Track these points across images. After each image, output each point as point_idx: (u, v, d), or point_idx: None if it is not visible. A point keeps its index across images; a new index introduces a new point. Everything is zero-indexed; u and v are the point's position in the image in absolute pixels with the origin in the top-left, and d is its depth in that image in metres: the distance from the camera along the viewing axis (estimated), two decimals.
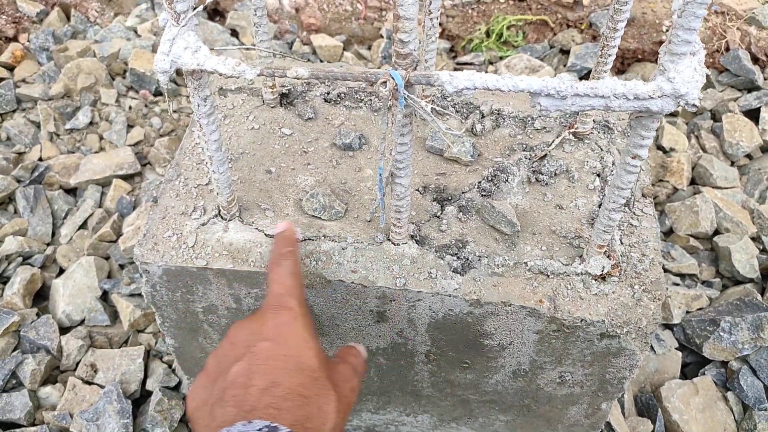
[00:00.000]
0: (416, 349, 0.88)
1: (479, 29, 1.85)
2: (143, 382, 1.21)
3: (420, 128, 0.95)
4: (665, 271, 1.43)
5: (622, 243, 0.83)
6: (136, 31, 1.91)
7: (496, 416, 1.00)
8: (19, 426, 1.16)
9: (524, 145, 0.93)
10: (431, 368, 0.92)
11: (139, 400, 1.20)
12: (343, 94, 0.99)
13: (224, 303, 0.86)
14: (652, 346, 1.30)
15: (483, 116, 0.97)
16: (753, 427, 1.19)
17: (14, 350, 1.24)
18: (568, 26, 1.86)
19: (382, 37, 1.89)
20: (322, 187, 0.86)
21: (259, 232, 0.82)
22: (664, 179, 1.58)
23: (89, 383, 1.20)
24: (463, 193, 0.87)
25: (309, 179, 0.88)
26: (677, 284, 1.40)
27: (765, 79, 1.80)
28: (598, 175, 0.90)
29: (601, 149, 0.93)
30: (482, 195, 0.87)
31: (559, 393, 0.91)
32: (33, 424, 1.17)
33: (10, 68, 1.75)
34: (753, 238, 1.46)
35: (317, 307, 0.84)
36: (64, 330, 1.28)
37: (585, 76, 1.79)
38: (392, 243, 0.81)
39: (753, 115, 1.72)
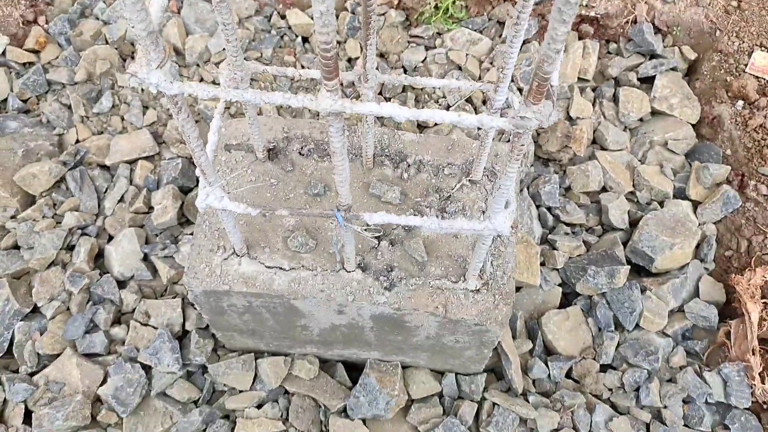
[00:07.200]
0: (364, 326, 1.39)
1: (429, 3, 2.18)
2: (183, 324, 1.72)
3: (365, 175, 1.39)
4: (560, 222, 1.92)
5: (492, 265, 1.31)
6: None
7: (419, 355, 1.54)
8: (101, 355, 1.70)
9: (436, 188, 1.38)
10: (375, 334, 1.43)
11: (182, 337, 1.72)
12: (312, 149, 1.41)
13: (241, 303, 1.35)
14: (540, 284, 1.82)
15: (409, 165, 1.40)
16: (602, 342, 1.74)
17: (87, 302, 1.74)
18: (505, 0, 2.19)
19: (347, 10, 2.21)
20: (300, 229, 1.32)
21: (260, 264, 1.29)
22: (568, 146, 2.01)
23: (145, 325, 1.71)
24: (393, 229, 1.34)
25: (291, 221, 1.34)
26: (567, 233, 1.90)
27: (665, 47, 2.17)
28: (483, 212, 1.36)
29: (487, 192, 1.38)
30: (405, 230, 1.33)
31: (456, 346, 1.44)
32: (110, 354, 1.71)
33: (37, 52, 2.09)
34: (630, 194, 1.94)
35: (303, 308, 1.33)
36: (120, 283, 1.78)
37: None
38: (346, 271, 1.29)
39: (650, 80, 2.12)
